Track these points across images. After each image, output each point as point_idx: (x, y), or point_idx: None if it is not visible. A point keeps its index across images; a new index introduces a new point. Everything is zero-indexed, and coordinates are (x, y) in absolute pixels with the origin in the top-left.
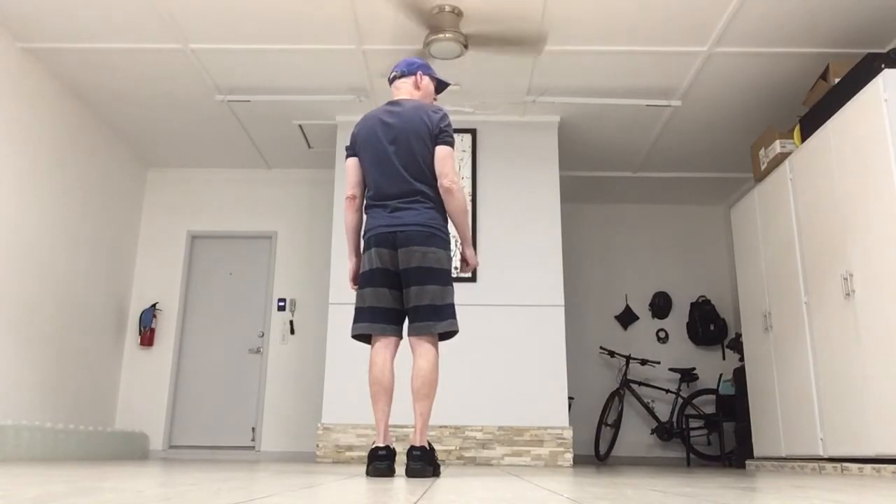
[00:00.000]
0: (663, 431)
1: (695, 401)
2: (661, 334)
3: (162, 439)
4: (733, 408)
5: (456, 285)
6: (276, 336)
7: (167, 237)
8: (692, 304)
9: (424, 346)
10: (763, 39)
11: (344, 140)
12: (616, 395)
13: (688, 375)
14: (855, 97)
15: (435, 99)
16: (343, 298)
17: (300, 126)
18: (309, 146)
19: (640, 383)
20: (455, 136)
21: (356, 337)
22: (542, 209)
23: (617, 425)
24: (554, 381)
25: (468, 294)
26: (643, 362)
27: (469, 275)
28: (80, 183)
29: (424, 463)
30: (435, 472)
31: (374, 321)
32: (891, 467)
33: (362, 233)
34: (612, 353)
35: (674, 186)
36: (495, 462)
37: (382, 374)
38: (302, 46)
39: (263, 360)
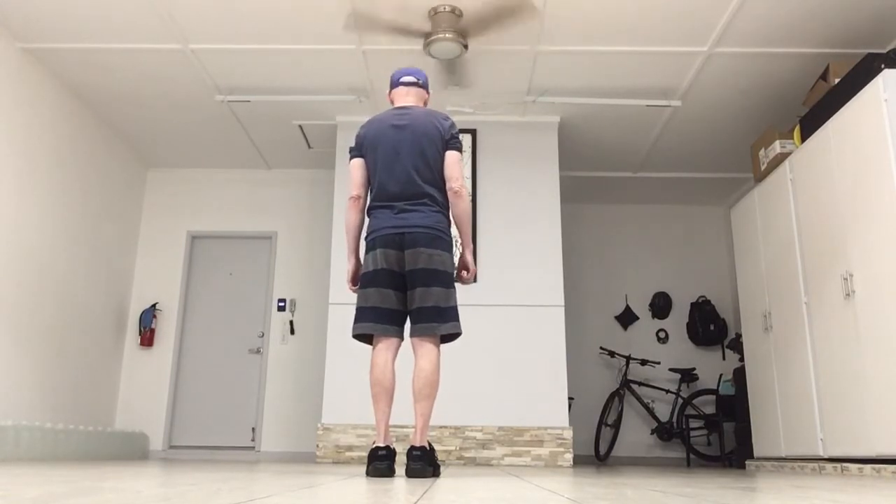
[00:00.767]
0: (663, 431)
1: (695, 401)
2: (661, 334)
3: (162, 439)
4: (733, 408)
5: (456, 285)
6: (276, 336)
7: (167, 237)
8: (692, 305)
9: (427, 347)
10: (763, 39)
11: (344, 140)
12: (616, 396)
13: (688, 375)
14: (855, 97)
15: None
16: (343, 299)
17: (300, 126)
18: (309, 146)
19: (640, 383)
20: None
21: (357, 337)
22: (542, 209)
23: (617, 425)
24: (554, 381)
25: (468, 294)
26: (643, 362)
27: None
28: (80, 183)
29: (424, 463)
30: (435, 473)
31: (377, 321)
32: (891, 467)
33: (365, 234)
34: (612, 354)
35: (674, 186)
36: (495, 462)
37: (384, 374)
38: (302, 46)
39: (263, 360)
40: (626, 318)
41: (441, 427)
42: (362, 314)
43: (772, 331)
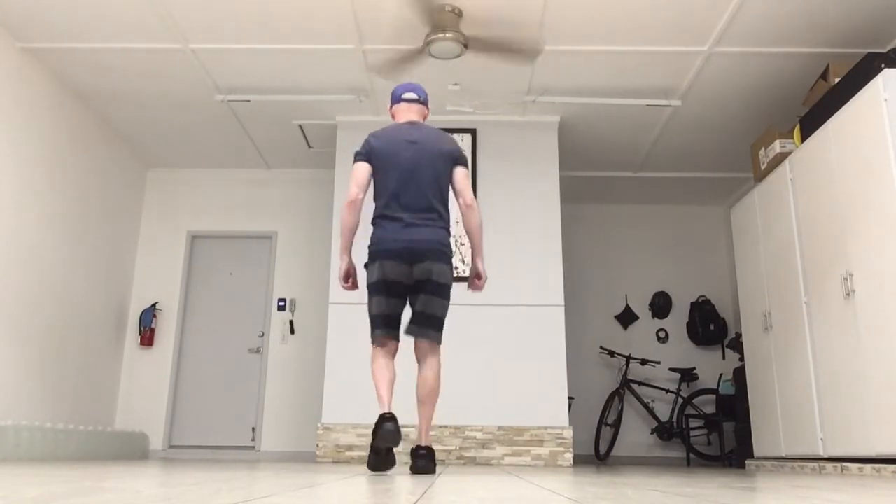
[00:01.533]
0: (663, 431)
1: (695, 401)
2: (661, 334)
3: (162, 439)
4: (733, 408)
5: (456, 285)
6: (276, 336)
7: (167, 237)
8: (692, 304)
9: (429, 355)
10: (763, 39)
11: (344, 140)
12: (616, 395)
13: (688, 375)
14: (855, 97)
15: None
16: (343, 298)
17: (300, 126)
18: (309, 146)
19: (640, 383)
20: (455, 136)
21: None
22: (542, 209)
23: (617, 425)
24: (554, 381)
25: (468, 294)
26: (643, 362)
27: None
28: (79, 183)
29: (428, 461)
30: (433, 471)
31: (385, 327)
32: (891, 467)
33: (370, 242)
34: (612, 353)
35: (674, 186)
36: (495, 462)
37: (387, 369)
38: (302, 46)
39: (263, 360)
40: (626, 317)
41: (441, 427)
42: (375, 322)
43: (772, 330)
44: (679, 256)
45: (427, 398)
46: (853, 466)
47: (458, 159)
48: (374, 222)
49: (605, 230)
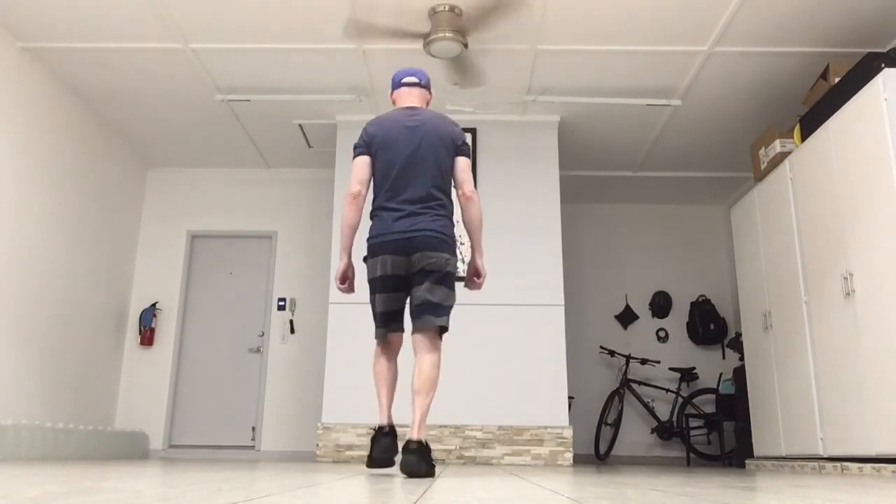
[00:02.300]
0: (663, 431)
1: (695, 400)
2: (661, 334)
3: (162, 439)
4: (733, 407)
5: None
6: (276, 336)
7: (167, 237)
8: (692, 304)
9: (428, 346)
10: (763, 39)
11: (344, 139)
12: (616, 395)
13: (688, 375)
14: (855, 97)
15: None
16: (343, 298)
17: (300, 126)
18: (309, 146)
19: (640, 383)
20: None
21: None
22: (542, 209)
23: (617, 425)
24: (554, 381)
25: (468, 294)
26: (643, 362)
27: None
28: (80, 183)
29: (419, 457)
30: (429, 472)
31: (388, 323)
32: (891, 467)
33: (370, 235)
34: (612, 353)
35: (674, 186)
36: (495, 461)
37: (388, 368)
38: (302, 46)
39: (263, 360)
40: (626, 317)
41: (441, 426)
42: (377, 319)
43: (772, 330)
44: (679, 256)
45: (422, 388)
46: (853, 466)
47: (460, 147)
48: (372, 215)
49: (605, 230)
